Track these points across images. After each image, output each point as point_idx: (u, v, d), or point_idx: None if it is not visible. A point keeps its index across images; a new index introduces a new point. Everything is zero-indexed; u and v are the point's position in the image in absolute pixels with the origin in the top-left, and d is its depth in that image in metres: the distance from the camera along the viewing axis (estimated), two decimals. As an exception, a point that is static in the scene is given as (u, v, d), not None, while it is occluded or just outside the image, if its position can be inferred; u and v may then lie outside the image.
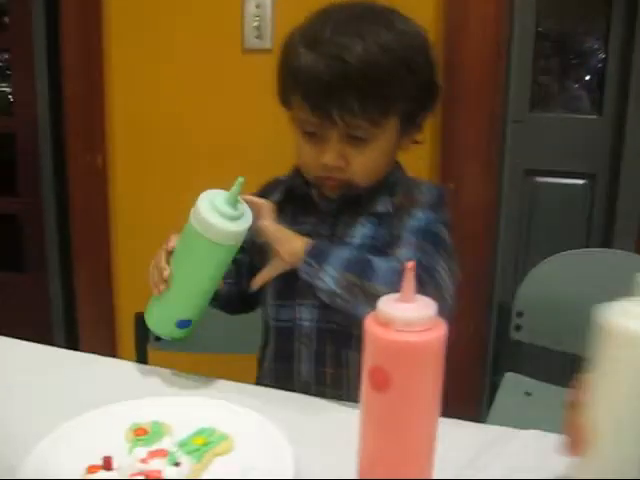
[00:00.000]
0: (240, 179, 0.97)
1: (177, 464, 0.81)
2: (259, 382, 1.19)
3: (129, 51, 2.15)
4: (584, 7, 2.22)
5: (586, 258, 1.66)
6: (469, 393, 1.91)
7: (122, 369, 1.15)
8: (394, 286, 0.96)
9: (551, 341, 1.64)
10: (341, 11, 1.09)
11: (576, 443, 0.74)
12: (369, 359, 0.71)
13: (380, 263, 1.01)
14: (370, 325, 0.71)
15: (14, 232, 2.52)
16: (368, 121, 1.06)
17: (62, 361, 1.19)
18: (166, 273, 1.02)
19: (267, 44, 1.97)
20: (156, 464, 0.80)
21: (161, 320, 1.08)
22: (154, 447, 0.84)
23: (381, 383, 0.69)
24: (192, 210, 0.99)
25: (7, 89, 2.57)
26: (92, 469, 0.81)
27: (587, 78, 2.22)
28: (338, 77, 1.01)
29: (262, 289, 1.15)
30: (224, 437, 0.88)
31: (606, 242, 2.11)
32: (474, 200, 1.96)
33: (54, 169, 2.40)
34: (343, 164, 1.09)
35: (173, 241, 1.04)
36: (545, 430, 0.95)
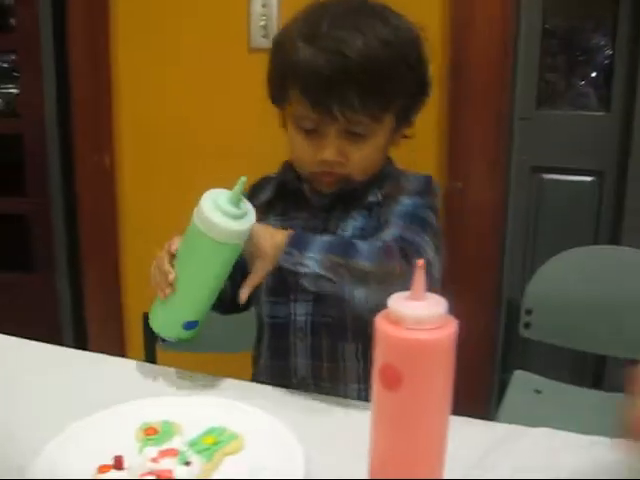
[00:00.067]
0: (243, 178, 0.96)
1: (187, 463, 0.81)
2: (255, 380, 1.19)
3: (136, 51, 2.15)
4: (590, 4, 2.21)
5: (594, 255, 1.66)
6: (478, 391, 1.90)
7: (131, 368, 1.15)
8: (379, 262, 0.96)
9: (560, 338, 1.64)
10: (338, 5, 1.09)
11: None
12: (380, 357, 0.71)
13: (362, 244, 1.01)
14: (381, 323, 0.71)
15: (22, 232, 2.53)
16: (368, 116, 1.06)
17: (71, 361, 1.20)
18: (171, 277, 1.00)
19: (273, 43, 1.97)
20: (167, 463, 0.81)
21: (168, 323, 1.07)
22: (164, 446, 0.84)
23: (392, 381, 0.69)
24: (195, 210, 0.98)
25: (14, 90, 2.58)
26: (103, 469, 0.81)
27: (593, 75, 2.21)
28: (339, 72, 1.01)
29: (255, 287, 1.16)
30: (234, 436, 0.88)
31: (614, 239, 2.10)
32: (481, 198, 1.96)
33: (62, 170, 2.41)
34: (342, 159, 1.09)
35: (176, 243, 1.02)
36: (555, 427, 0.95)
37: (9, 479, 0.82)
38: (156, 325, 1.08)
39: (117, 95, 2.20)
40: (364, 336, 1.09)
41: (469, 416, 0.96)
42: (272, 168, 1.26)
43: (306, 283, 0.99)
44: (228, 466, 0.84)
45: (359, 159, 1.10)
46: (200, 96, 2.10)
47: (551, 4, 2.16)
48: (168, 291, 1.01)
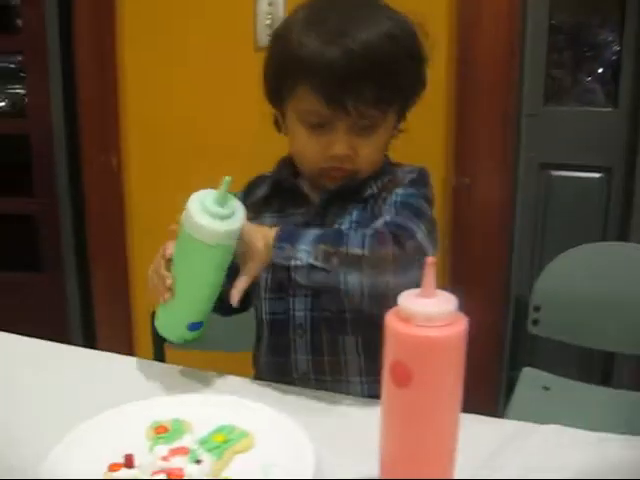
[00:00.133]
0: (227, 178, 0.94)
1: (198, 462, 0.81)
2: (257, 377, 1.19)
3: (142, 51, 2.15)
4: (598, -1, 2.20)
5: (602, 252, 1.66)
6: (487, 388, 1.90)
7: (140, 367, 1.15)
8: (370, 247, 0.96)
9: (568, 335, 1.64)
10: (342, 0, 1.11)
11: None
12: (390, 354, 0.71)
13: (353, 232, 1.01)
14: (391, 320, 0.71)
15: (30, 233, 2.54)
16: (379, 110, 1.07)
17: (80, 360, 1.20)
18: (169, 281, 1.00)
19: (279, 42, 1.97)
20: (177, 462, 0.81)
21: (171, 325, 1.07)
22: (175, 445, 0.85)
23: (402, 379, 0.69)
24: (183, 213, 0.97)
25: (21, 91, 2.58)
26: (114, 467, 0.81)
27: (600, 71, 2.21)
28: (355, 67, 1.01)
29: (253, 286, 1.15)
30: (244, 434, 0.88)
31: (622, 236, 2.09)
32: (489, 195, 1.96)
33: (69, 170, 2.41)
34: (353, 154, 1.09)
35: (170, 248, 1.01)
36: (564, 424, 0.95)
37: (19, 479, 0.82)
38: (161, 328, 1.08)
39: (124, 95, 2.20)
40: (364, 329, 1.10)
41: (478, 413, 0.95)
42: (279, 167, 1.25)
43: (299, 277, 0.98)
44: (238, 464, 0.84)
45: (368, 153, 1.10)
46: (207, 96, 2.10)
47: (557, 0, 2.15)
48: (167, 296, 1.01)
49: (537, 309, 1.63)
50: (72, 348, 1.24)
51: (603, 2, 2.19)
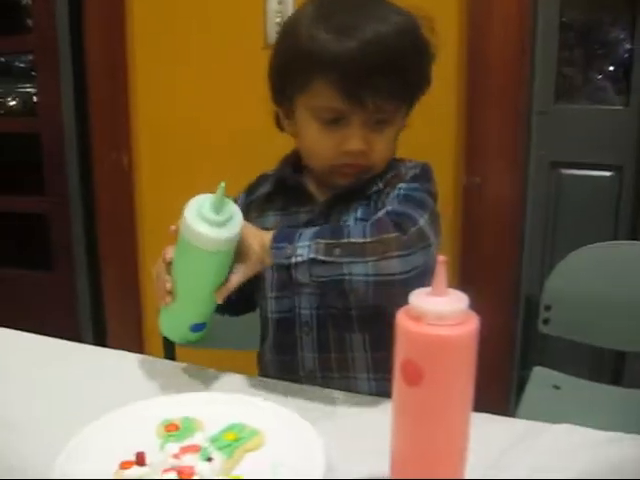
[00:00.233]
0: (222, 184, 0.93)
1: (209, 459, 0.81)
2: (262, 376, 1.19)
3: (153, 51, 2.16)
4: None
5: (614, 250, 1.65)
6: (497, 387, 1.90)
7: (151, 365, 1.15)
8: (371, 234, 0.95)
9: (579, 334, 1.63)
10: None
11: None
12: (401, 353, 0.71)
13: (352, 224, 1.01)
14: (402, 319, 0.70)
15: (41, 231, 2.55)
16: (394, 104, 1.07)
17: (90, 357, 1.20)
18: (169, 285, 1.00)
19: (289, 40, 1.97)
20: (188, 460, 0.81)
21: (174, 327, 1.08)
22: (186, 443, 0.85)
23: (413, 377, 0.69)
24: (181, 220, 0.96)
25: (32, 90, 2.60)
26: (125, 465, 0.82)
27: (611, 68, 2.20)
28: (372, 60, 1.01)
29: (258, 286, 1.16)
30: (255, 433, 0.88)
31: (633, 234, 2.08)
32: (500, 193, 1.96)
33: (80, 169, 2.42)
34: (367, 149, 1.09)
35: (170, 252, 1.01)
36: (574, 424, 0.94)
37: (32, 479, 0.83)
38: (164, 329, 1.09)
39: (134, 94, 2.21)
40: (371, 326, 1.10)
41: (489, 412, 0.95)
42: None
43: (300, 275, 0.96)
44: (249, 462, 0.84)
45: (382, 148, 1.10)
46: (217, 95, 2.11)
47: (569, -3, 2.15)
48: (168, 299, 1.01)
49: (548, 308, 1.63)
50: (82, 346, 1.25)
51: (614, 0, 2.18)
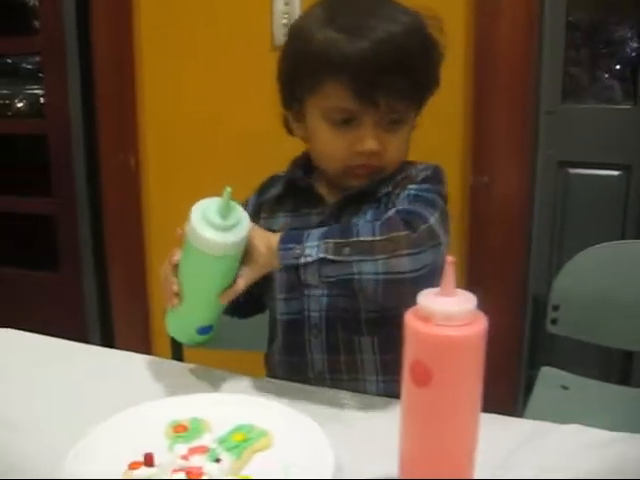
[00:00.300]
0: (227, 189, 0.93)
1: (218, 460, 0.81)
2: (270, 377, 1.19)
3: (159, 52, 2.16)
4: (616, -4, 2.19)
5: (622, 250, 1.64)
6: (505, 387, 1.89)
7: (158, 366, 1.16)
8: (381, 232, 0.94)
9: (587, 334, 1.63)
10: None
11: None
12: (410, 354, 0.71)
13: (360, 223, 1.00)
14: (410, 319, 0.70)
15: (49, 232, 2.56)
16: (406, 104, 1.07)
17: (98, 359, 1.21)
18: (175, 287, 1.00)
19: (296, 41, 1.97)
20: (197, 460, 0.81)
21: (181, 329, 1.08)
22: (194, 444, 0.85)
23: (422, 378, 0.69)
24: (186, 224, 0.96)
25: (39, 91, 2.60)
26: (134, 465, 0.82)
27: (618, 68, 2.19)
28: (385, 59, 1.01)
29: (267, 287, 1.16)
30: (263, 433, 0.89)
31: (642, 234, 2.08)
32: (508, 193, 1.95)
33: (87, 170, 2.43)
34: (381, 149, 1.08)
35: (176, 255, 1.01)
36: (582, 424, 0.94)
37: (40, 479, 0.83)
38: (171, 330, 1.09)
39: (141, 95, 2.21)
40: (380, 329, 1.10)
41: (497, 413, 0.95)
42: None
43: (309, 276, 0.96)
44: (257, 463, 0.84)
45: (395, 148, 1.10)
46: (225, 95, 2.11)
47: (576, -4, 2.14)
48: (175, 301, 1.01)
49: (556, 308, 1.62)
50: (88, 347, 1.25)
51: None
